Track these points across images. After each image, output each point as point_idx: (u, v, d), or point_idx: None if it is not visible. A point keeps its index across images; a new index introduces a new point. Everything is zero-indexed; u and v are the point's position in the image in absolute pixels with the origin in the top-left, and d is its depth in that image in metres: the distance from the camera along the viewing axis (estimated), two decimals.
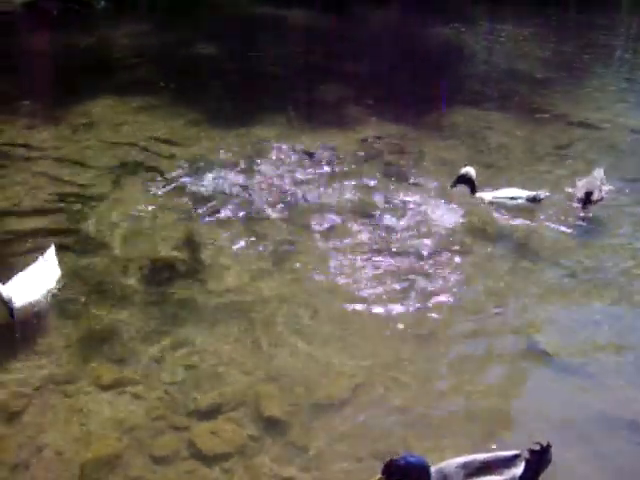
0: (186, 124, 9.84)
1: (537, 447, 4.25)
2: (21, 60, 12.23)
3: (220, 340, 5.80)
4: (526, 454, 4.26)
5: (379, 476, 3.96)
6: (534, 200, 7.83)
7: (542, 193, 7.90)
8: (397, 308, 6.18)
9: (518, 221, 7.63)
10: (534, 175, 8.66)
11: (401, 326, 5.98)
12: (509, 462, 4.24)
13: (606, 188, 7.84)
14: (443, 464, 4.18)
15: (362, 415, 5.10)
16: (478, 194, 7.98)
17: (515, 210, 7.80)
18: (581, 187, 7.75)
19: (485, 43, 14.93)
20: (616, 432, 5.01)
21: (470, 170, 7.95)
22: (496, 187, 8.10)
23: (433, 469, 4.06)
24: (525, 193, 7.90)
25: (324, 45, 13.95)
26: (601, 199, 7.70)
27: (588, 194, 7.62)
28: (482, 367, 5.67)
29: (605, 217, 7.78)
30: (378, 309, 6.18)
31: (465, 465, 4.15)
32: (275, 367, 5.53)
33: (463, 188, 7.97)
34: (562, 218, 7.68)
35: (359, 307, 6.22)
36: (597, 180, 7.81)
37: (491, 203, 7.93)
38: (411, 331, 5.93)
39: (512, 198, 7.90)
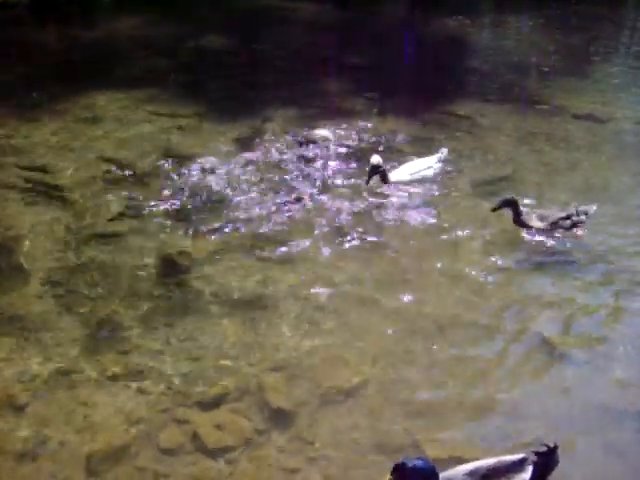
0: (193, 116, 9.82)
1: (544, 449, 4.17)
2: (27, 53, 12.22)
3: (225, 332, 5.81)
4: (533, 457, 4.18)
5: (389, 477, 3.94)
6: (441, 159, 8.19)
7: (444, 150, 8.28)
8: (398, 301, 6.21)
9: None
10: (536, 167, 8.63)
11: (403, 317, 5.99)
12: (516, 466, 4.17)
13: (568, 223, 7.02)
14: (451, 472, 4.12)
15: (368, 407, 5.11)
16: (392, 178, 7.94)
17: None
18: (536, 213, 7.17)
19: (489, 35, 14.88)
20: (623, 423, 5.02)
21: (380, 159, 7.85)
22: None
23: (440, 477, 4.01)
24: (432, 159, 8.16)
25: (328, 38, 13.91)
26: (548, 229, 7.05)
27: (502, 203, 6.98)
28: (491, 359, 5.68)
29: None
30: (382, 299, 6.21)
31: (472, 472, 4.10)
32: (280, 359, 5.54)
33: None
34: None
35: (362, 300, 6.23)
36: (562, 213, 7.12)
37: (410, 182, 7.96)
38: (412, 323, 5.95)
39: (428, 167, 8.09)
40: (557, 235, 7.10)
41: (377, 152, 8.31)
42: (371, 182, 7.85)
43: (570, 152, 9.05)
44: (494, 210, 7.07)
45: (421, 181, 8.04)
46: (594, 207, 7.19)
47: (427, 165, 8.12)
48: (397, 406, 5.12)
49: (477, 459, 4.29)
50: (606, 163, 8.78)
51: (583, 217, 7.09)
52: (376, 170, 7.81)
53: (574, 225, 7.09)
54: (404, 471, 3.91)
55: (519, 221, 7.10)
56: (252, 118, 9.74)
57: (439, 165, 8.22)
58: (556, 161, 8.80)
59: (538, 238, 7.09)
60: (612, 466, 4.70)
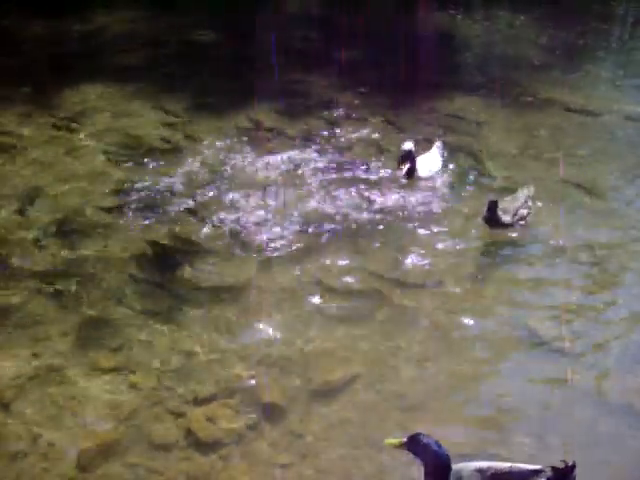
0: (181, 110, 9.77)
1: (561, 465, 4.00)
2: (15, 46, 12.13)
3: (217, 327, 5.80)
4: (548, 471, 4.01)
5: (403, 439, 4.00)
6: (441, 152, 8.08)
7: (439, 143, 8.11)
8: (394, 292, 6.20)
9: None
10: (526, 162, 8.63)
11: (399, 312, 6.00)
12: (530, 476, 4.00)
13: (524, 211, 6.98)
14: (460, 465, 4.07)
15: (359, 401, 5.12)
16: (419, 173, 7.73)
17: None
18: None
19: (481, 29, 14.85)
20: (615, 417, 5.03)
21: (412, 145, 7.70)
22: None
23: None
24: (434, 152, 8.00)
25: (318, 31, 13.86)
26: (511, 224, 6.90)
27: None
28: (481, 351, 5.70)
29: None
30: (373, 295, 6.21)
31: (482, 470, 4.02)
32: (272, 353, 5.53)
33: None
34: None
35: (356, 296, 6.23)
36: (517, 202, 7.00)
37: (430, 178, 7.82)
38: (407, 317, 5.96)
39: (437, 162, 7.97)
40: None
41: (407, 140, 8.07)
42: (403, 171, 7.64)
43: (558, 146, 9.05)
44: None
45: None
46: (531, 188, 7.15)
47: (436, 159, 8.03)
48: (389, 400, 5.13)
49: (469, 454, 4.29)
50: (597, 157, 8.80)
51: (529, 202, 7.04)
52: (408, 157, 7.59)
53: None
54: (417, 443, 3.96)
55: (491, 218, 6.80)
56: (246, 112, 9.69)
57: (441, 158, 8.13)
58: (543, 155, 8.80)
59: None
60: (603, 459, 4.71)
